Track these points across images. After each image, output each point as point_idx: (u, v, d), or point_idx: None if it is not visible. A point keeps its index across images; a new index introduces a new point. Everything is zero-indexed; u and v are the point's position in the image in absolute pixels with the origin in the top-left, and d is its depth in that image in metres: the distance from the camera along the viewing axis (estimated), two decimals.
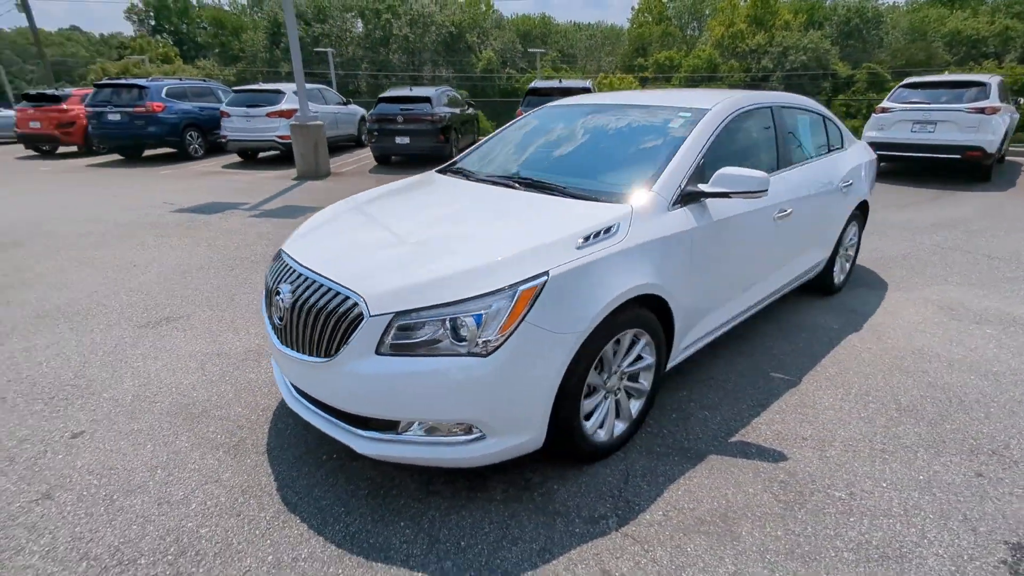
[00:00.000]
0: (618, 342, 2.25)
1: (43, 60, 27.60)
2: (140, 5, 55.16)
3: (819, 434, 2.55)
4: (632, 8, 52.52)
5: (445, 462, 2.00)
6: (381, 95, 11.39)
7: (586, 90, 10.24)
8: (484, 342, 1.85)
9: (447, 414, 1.92)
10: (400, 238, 2.31)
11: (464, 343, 1.86)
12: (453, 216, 2.53)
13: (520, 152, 3.25)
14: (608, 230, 2.20)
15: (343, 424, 2.06)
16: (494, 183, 2.83)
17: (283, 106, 10.95)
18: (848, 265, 4.39)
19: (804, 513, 2.07)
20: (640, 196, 2.41)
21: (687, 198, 2.49)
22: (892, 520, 2.04)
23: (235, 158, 12.12)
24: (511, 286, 1.90)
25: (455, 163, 3.42)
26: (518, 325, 1.87)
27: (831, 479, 2.25)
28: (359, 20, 43.40)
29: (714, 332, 2.91)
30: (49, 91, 12.84)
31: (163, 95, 11.40)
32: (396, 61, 42.74)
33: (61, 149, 13.18)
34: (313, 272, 2.12)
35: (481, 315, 1.86)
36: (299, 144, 9.90)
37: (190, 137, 11.85)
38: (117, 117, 11.12)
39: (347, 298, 1.96)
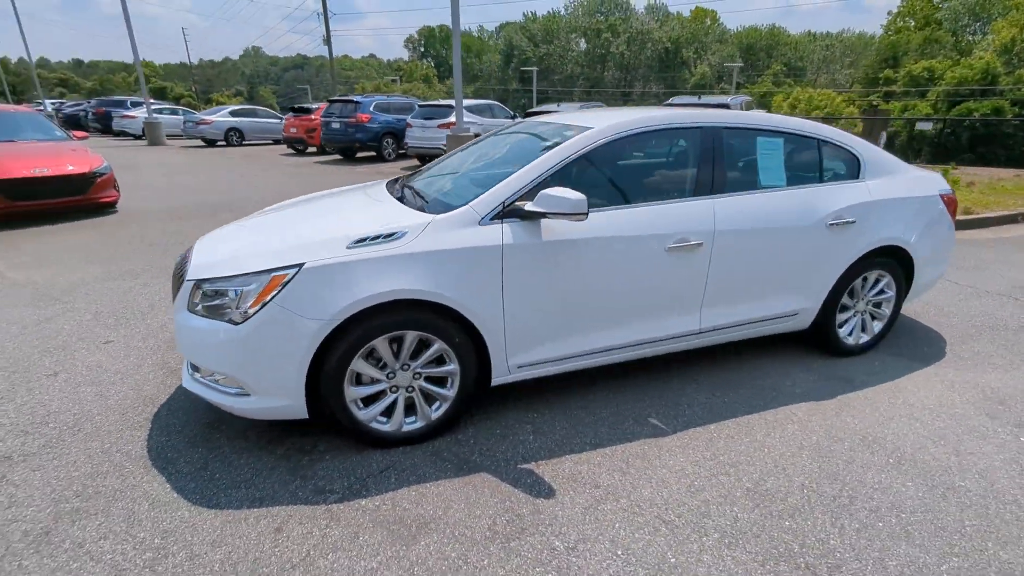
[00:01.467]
0: (398, 342, 2.36)
1: (333, 81, 34.94)
2: (415, 35, 65.62)
3: (616, 488, 2.25)
4: (889, 13, 44.26)
5: (225, 408, 2.39)
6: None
7: (723, 106, 9.34)
8: (241, 312, 2.19)
9: (215, 366, 2.31)
10: (258, 230, 2.75)
11: (228, 311, 2.22)
12: (311, 215, 2.84)
13: (450, 167, 3.41)
14: (391, 235, 2.33)
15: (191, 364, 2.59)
16: (390, 192, 3.06)
17: (450, 119, 12.30)
18: (878, 325, 3.47)
19: (497, 547, 1.94)
20: (450, 208, 2.45)
21: (509, 215, 2.44)
22: None
23: (415, 161, 14.02)
24: (265, 271, 2.20)
25: (407, 176, 3.61)
26: (266, 304, 2.17)
27: (569, 531, 2.02)
28: (583, 40, 45.30)
29: (576, 359, 2.72)
30: (304, 105, 16.45)
31: (371, 109, 13.77)
32: (609, 78, 43.43)
33: (309, 149, 16.78)
34: (188, 251, 2.69)
35: (239, 290, 2.21)
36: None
37: (386, 143, 14.07)
38: (338, 125, 13.79)
39: (186, 267, 2.47)
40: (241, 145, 18.72)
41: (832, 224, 3.01)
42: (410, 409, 2.51)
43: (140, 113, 20.61)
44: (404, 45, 68.29)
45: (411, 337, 2.37)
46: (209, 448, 2.48)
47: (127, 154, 15.72)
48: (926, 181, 3.42)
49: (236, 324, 2.20)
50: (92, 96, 43.08)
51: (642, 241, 2.63)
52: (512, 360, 2.58)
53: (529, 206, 2.41)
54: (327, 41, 34.39)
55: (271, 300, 2.17)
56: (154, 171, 12.18)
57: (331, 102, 14.41)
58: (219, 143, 18.50)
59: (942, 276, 3.70)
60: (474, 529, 2.02)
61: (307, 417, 2.35)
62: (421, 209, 2.58)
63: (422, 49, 64.64)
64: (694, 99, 10.17)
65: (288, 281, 2.18)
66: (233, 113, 18.96)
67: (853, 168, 3.23)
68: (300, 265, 2.20)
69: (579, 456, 2.46)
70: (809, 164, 3.16)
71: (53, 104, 29.45)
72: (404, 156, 14.47)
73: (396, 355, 2.39)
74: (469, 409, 2.75)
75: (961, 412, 2.81)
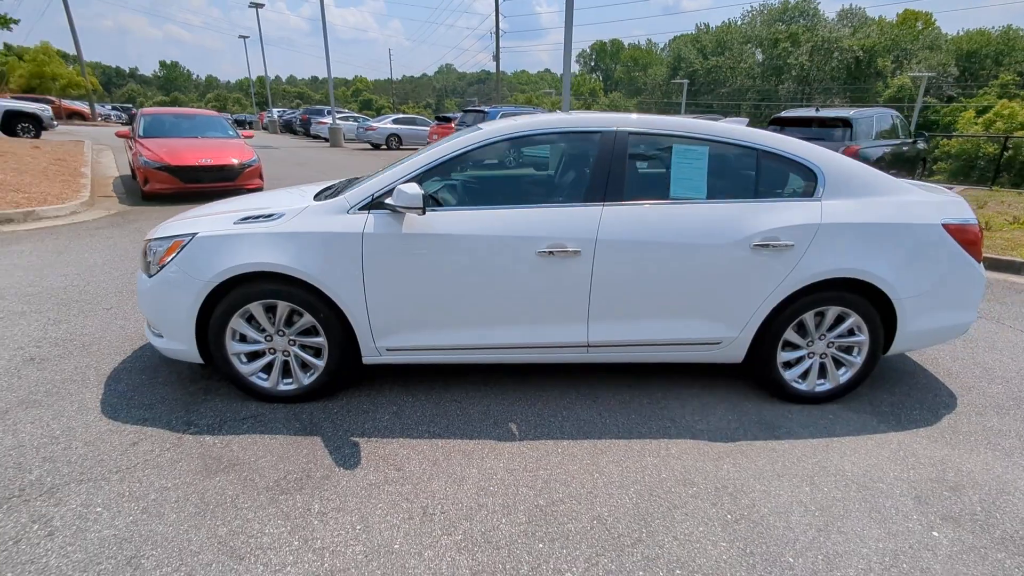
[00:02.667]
0: (271, 311, 2.67)
1: (497, 93, 37.22)
2: (587, 49, 66.64)
3: (413, 475, 2.28)
4: None
5: (153, 345, 2.92)
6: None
7: (843, 121, 8.01)
8: (154, 267, 2.69)
9: (142, 309, 2.84)
10: (211, 208, 3.22)
11: (149, 265, 2.74)
12: (251, 200, 3.21)
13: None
14: (269, 216, 2.65)
15: None
16: (334, 187, 3.36)
17: None
18: (846, 373, 2.87)
19: (266, 497, 2.13)
20: (328, 198, 2.68)
21: (376, 207, 2.60)
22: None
23: None
24: (171, 236, 2.67)
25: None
26: (167, 263, 2.64)
27: (335, 499, 2.13)
28: (758, 50, 41.61)
29: (453, 352, 2.76)
30: (446, 115, 17.92)
31: (497, 117, 14.51)
32: (784, 91, 39.16)
33: None
34: None
35: (155, 249, 2.71)
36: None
37: None
38: None
39: None
40: (399, 149, 21.01)
41: (758, 246, 2.60)
42: (290, 372, 2.81)
43: (329, 120, 24.28)
44: (576, 60, 69.82)
45: (282, 307, 2.66)
46: (149, 375, 3.04)
47: (307, 152, 18.67)
48: (923, 207, 2.74)
49: (150, 276, 2.70)
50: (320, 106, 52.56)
51: (508, 242, 2.59)
52: (381, 342, 2.73)
53: (387, 200, 2.55)
54: (495, 57, 36.80)
55: (171, 260, 2.63)
56: (316, 166, 14.33)
57: (465, 111, 15.51)
58: (381, 147, 20.99)
59: (966, 326, 2.92)
60: (265, 478, 2.24)
61: (202, 362, 2.78)
62: (318, 199, 2.87)
63: (592, 63, 65.46)
64: (811, 111, 8.86)
65: (184, 246, 2.62)
66: (395, 121, 21.38)
67: (807, 185, 2.74)
68: (194, 234, 2.63)
69: (412, 441, 2.52)
70: (743, 177, 2.76)
71: (279, 112, 35.92)
72: None
73: (273, 321, 2.71)
74: (355, 383, 2.98)
75: (881, 488, 2.25)
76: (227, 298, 2.62)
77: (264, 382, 2.79)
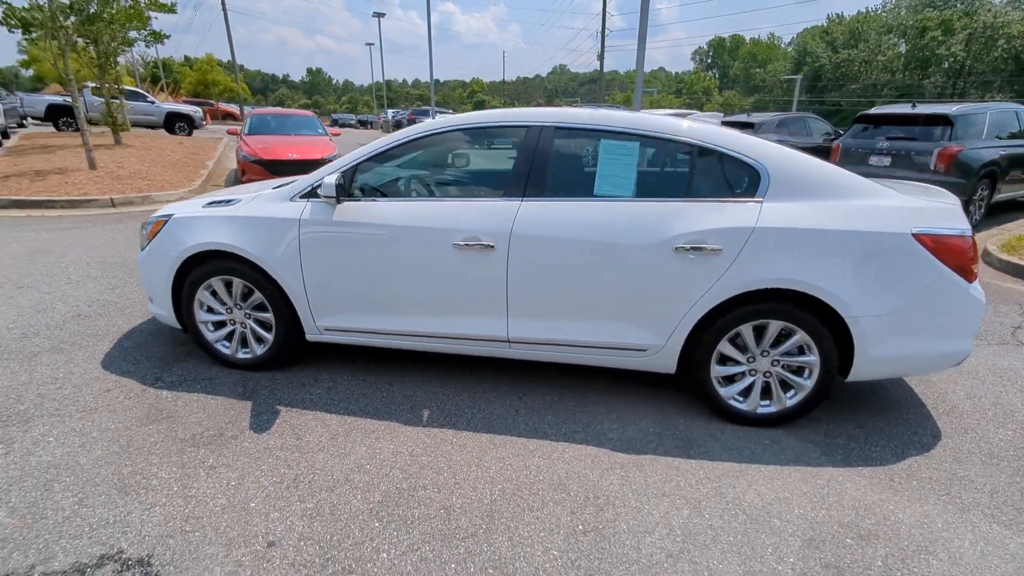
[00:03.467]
0: (228, 285, 2.96)
1: (600, 93, 36.68)
2: (704, 46, 63.25)
3: (307, 446, 2.43)
4: None
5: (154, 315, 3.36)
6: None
7: (942, 119, 6.82)
8: (145, 242, 3.11)
9: (140, 276, 3.28)
10: (208, 196, 3.62)
11: (142, 241, 3.17)
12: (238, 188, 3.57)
13: None
14: (228, 202, 2.94)
15: None
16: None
17: None
18: (794, 396, 2.54)
19: (178, 447, 2.39)
20: (276, 187, 2.90)
21: (313, 195, 2.77)
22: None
23: None
24: (156, 217, 3.06)
25: None
26: (152, 239, 3.04)
27: (229, 456, 2.34)
28: (902, 41, 36.42)
29: (385, 336, 2.87)
30: None
31: None
32: (930, 85, 33.87)
33: None
34: None
35: (147, 227, 3.12)
36: None
37: None
38: None
39: None
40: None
41: (680, 248, 2.40)
42: (247, 342, 3.09)
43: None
44: (691, 57, 66.46)
45: (237, 283, 2.95)
46: (153, 337, 3.51)
47: None
48: (890, 213, 2.34)
49: (142, 250, 3.13)
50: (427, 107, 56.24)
51: (427, 234, 2.64)
52: (319, 322, 2.92)
53: (319, 189, 2.72)
54: (600, 57, 36.31)
55: (155, 236, 3.03)
56: None
57: None
58: None
59: (957, 356, 2.46)
60: (187, 431, 2.51)
61: (179, 327, 3.16)
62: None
63: (709, 60, 61.88)
64: (907, 107, 7.59)
65: (163, 225, 3.00)
66: None
67: (748, 184, 2.46)
68: (171, 216, 3.00)
69: (326, 415, 2.68)
70: (677, 175, 2.54)
71: (392, 112, 38.45)
72: None
73: (232, 296, 3.00)
74: (310, 358, 3.22)
75: (773, 524, 1.99)
76: (193, 272, 2.95)
77: (227, 350, 3.11)
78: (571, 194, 2.62)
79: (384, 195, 2.92)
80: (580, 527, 1.98)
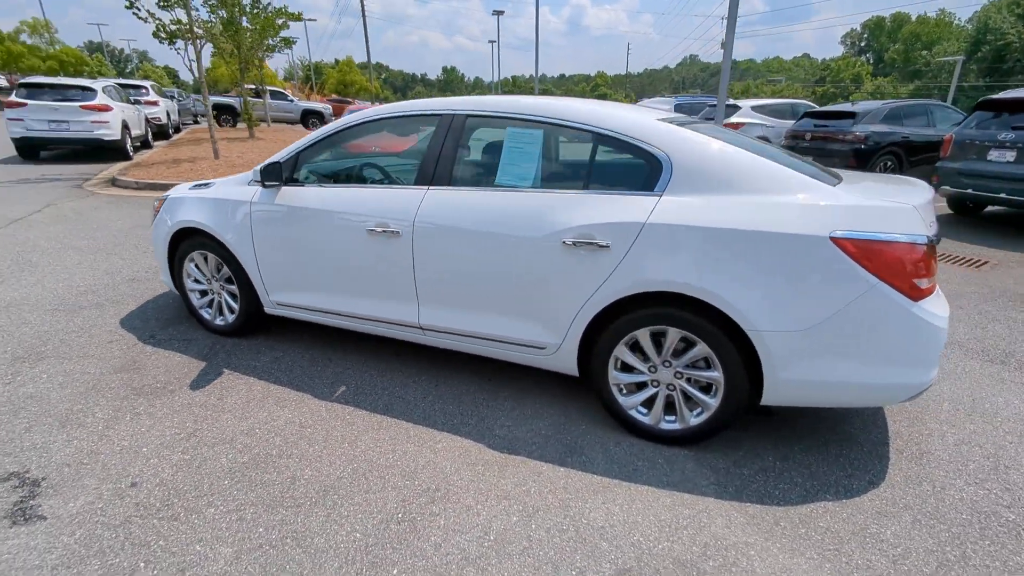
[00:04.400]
0: (205, 258, 3.32)
1: (723, 83, 34.14)
2: (858, 28, 55.93)
3: (216, 404, 2.66)
4: None
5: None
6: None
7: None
8: (153, 216, 3.59)
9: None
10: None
11: (153, 215, 3.65)
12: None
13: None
14: (206, 185, 3.28)
15: None
16: None
17: (734, 120, 11.09)
18: (698, 415, 2.24)
19: (130, 392, 2.75)
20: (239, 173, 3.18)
21: (260, 181, 3.00)
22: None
23: None
24: (162, 197, 3.51)
25: None
26: (155, 216, 3.50)
27: (154, 407, 2.64)
28: None
29: (326, 315, 3.00)
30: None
31: (672, 109, 13.60)
32: None
33: None
34: None
35: (155, 203, 3.59)
36: None
37: None
38: None
39: None
40: None
41: (568, 243, 2.22)
42: (224, 311, 3.44)
43: None
44: (840, 41, 59.03)
45: (211, 257, 3.29)
46: (175, 300, 4.04)
47: None
48: (808, 211, 1.95)
49: (152, 223, 3.61)
50: None
51: (344, 218, 2.73)
52: (272, 296, 3.16)
53: (258, 177, 2.93)
54: (724, 45, 33.68)
55: (159, 212, 3.48)
56: None
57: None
58: None
59: (908, 389, 2.00)
60: (142, 382, 2.88)
61: (177, 292, 3.60)
62: None
63: (862, 43, 54.41)
64: (1019, 93, 5.96)
65: (163, 203, 3.44)
66: None
67: (649, 175, 2.19)
68: (167, 196, 3.43)
69: (258, 382, 2.90)
70: (578, 163, 2.32)
71: None
72: None
73: (208, 268, 3.36)
74: (278, 329, 3.51)
75: (593, 544, 1.80)
76: (181, 246, 3.36)
77: (208, 316, 3.49)
78: (477, 183, 2.55)
79: (320, 181, 3.05)
80: (400, 515, 1.96)
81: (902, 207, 1.97)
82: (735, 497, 2.05)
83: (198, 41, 10.41)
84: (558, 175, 2.44)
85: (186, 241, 3.32)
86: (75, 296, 4.05)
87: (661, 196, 2.16)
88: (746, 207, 2.04)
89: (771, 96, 37.61)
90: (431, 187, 2.58)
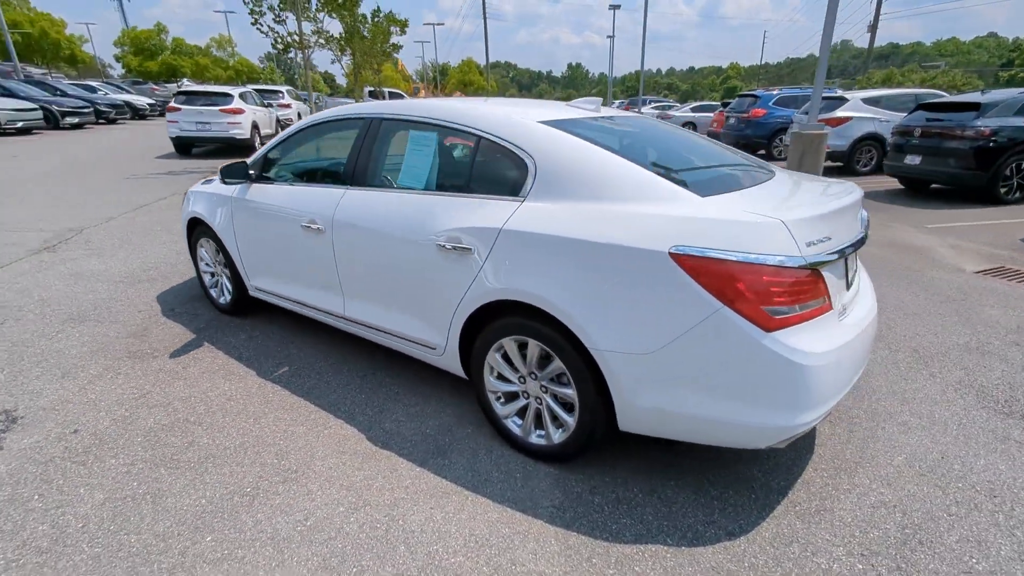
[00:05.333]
0: (209, 245, 3.77)
1: (865, 68, 30.13)
2: None
3: (186, 372, 3.02)
4: None
5: None
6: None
7: None
8: (183, 204, 4.15)
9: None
10: None
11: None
12: None
13: None
14: (209, 181, 3.71)
15: None
16: None
17: (837, 114, 9.80)
18: (560, 432, 2.09)
19: (123, 356, 3.24)
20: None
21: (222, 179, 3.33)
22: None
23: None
24: (188, 191, 4.04)
25: None
26: (183, 206, 4.04)
27: (149, 372, 3.08)
28: None
29: (294, 304, 3.25)
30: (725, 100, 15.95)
31: (770, 104, 12.35)
32: None
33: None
34: None
35: (183, 195, 4.14)
36: (792, 151, 9.13)
37: (777, 141, 12.39)
38: (733, 121, 13.15)
39: None
40: None
41: (442, 245, 2.20)
42: (224, 292, 3.88)
43: (648, 110, 24.78)
44: None
45: (211, 244, 3.73)
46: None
47: None
48: (658, 223, 1.73)
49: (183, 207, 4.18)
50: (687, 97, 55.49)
51: (287, 214, 2.95)
52: (251, 281, 3.50)
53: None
54: (871, 28, 29.69)
55: (185, 199, 4.01)
56: None
57: (741, 96, 13.66)
58: None
59: (769, 432, 1.71)
60: (139, 347, 3.36)
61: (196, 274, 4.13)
62: None
63: None
64: None
65: (188, 194, 3.96)
66: (694, 109, 20.23)
67: (519, 179, 2.07)
68: (189, 190, 3.94)
69: (221, 357, 3.25)
70: (462, 166, 2.26)
71: (619, 103, 38.27)
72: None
73: (211, 254, 3.81)
74: (267, 313, 3.87)
75: (381, 540, 1.78)
76: (195, 233, 3.85)
77: (214, 295, 3.95)
78: (384, 185, 2.61)
79: (279, 180, 3.27)
80: (248, 490, 2.11)
81: (765, 222, 1.68)
82: (566, 525, 1.91)
83: (306, 50, 11.60)
84: (449, 177, 2.41)
85: (197, 229, 3.80)
86: (141, 271, 4.80)
87: (523, 202, 2.06)
88: (598, 215, 1.88)
89: (918, 84, 32.32)
90: (349, 187, 2.70)
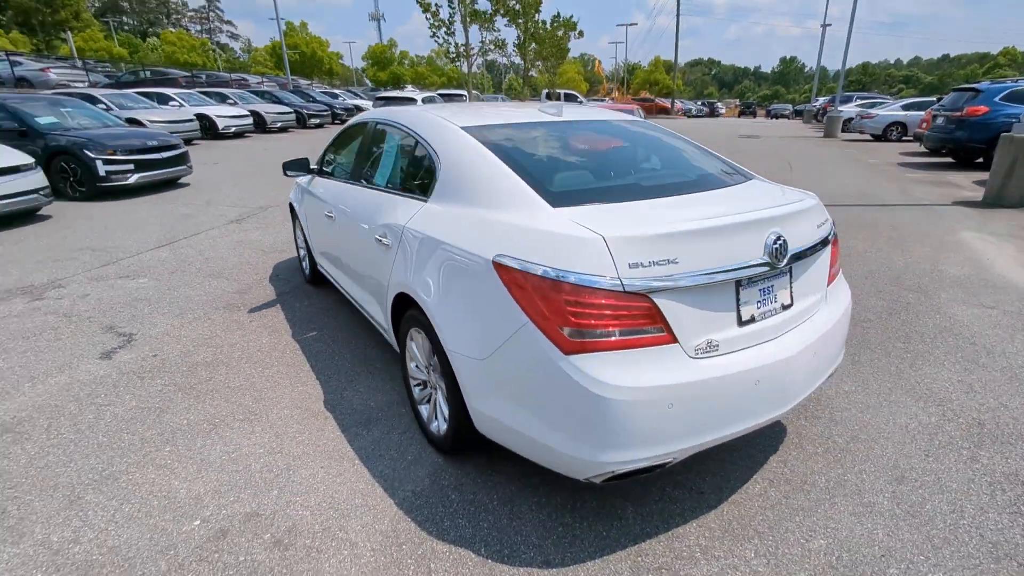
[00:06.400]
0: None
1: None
2: None
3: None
4: None
5: None
6: None
7: None
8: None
9: None
10: None
11: None
12: None
13: None
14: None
15: None
16: None
17: None
18: (444, 424, 2.10)
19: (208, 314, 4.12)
20: None
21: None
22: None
23: None
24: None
25: None
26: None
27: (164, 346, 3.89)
28: None
29: (345, 291, 3.73)
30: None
31: (995, 99, 9.61)
32: None
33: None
34: None
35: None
36: (999, 159, 7.06)
37: None
38: (941, 120, 10.57)
39: None
40: (899, 140, 16.35)
41: (378, 240, 2.38)
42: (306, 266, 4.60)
43: (844, 108, 21.12)
44: None
45: (296, 225, 4.46)
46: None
47: (776, 146, 17.52)
48: (496, 230, 1.66)
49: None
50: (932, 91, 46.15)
51: (321, 204, 3.44)
52: (317, 260, 4.12)
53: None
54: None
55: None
56: (770, 161, 13.82)
57: (957, 90, 10.85)
58: (880, 138, 16.89)
59: (579, 467, 1.56)
60: (238, 302, 4.22)
61: None
62: None
63: None
64: None
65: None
66: (906, 107, 16.53)
67: (430, 181, 2.12)
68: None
69: (274, 315, 3.90)
70: (404, 166, 2.37)
71: (821, 101, 33.17)
72: None
73: (299, 233, 4.54)
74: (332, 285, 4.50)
75: (221, 494, 2.05)
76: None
77: (304, 267, 4.71)
78: (370, 181, 2.87)
79: (324, 174, 3.73)
80: (204, 423, 2.59)
81: (585, 237, 1.51)
82: (408, 511, 1.97)
83: (469, 59, 12.61)
84: (396, 176, 2.57)
85: (293, 213, 4.59)
86: (283, 244, 5.90)
87: (426, 202, 2.14)
88: (464, 220, 1.89)
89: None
90: (351, 183, 3.05)
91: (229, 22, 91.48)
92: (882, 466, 2.15)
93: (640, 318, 1.50)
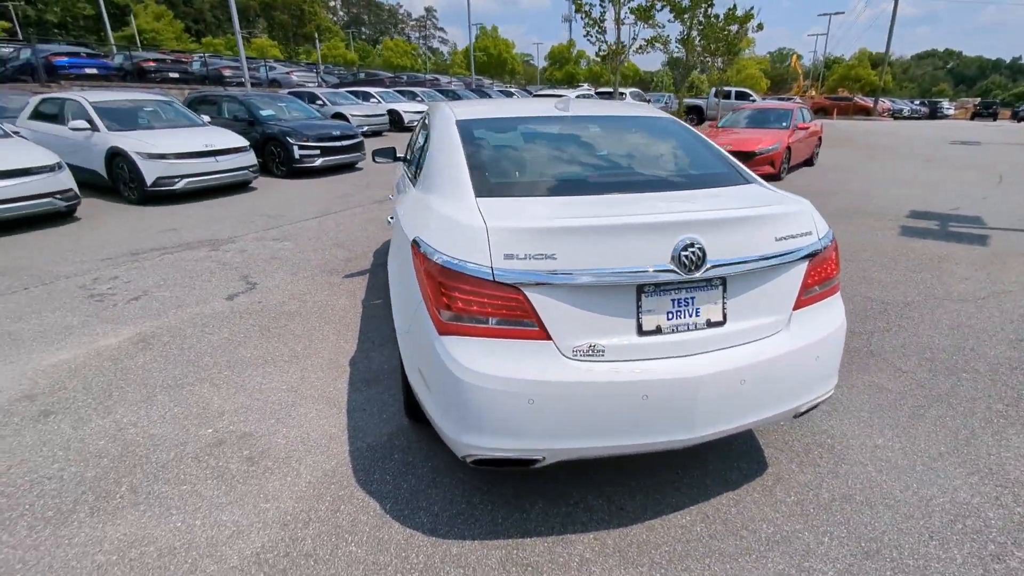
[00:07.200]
0: None
1: None
2: None
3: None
4: None
5: None
6: None
7: None
8: None
9: None
10: None
11: None
12: None
13: None
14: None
15: None
16: None
17: None
18: None
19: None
20: None
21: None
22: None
23: None
24: None
25: None
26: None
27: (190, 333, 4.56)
28: None
29: None
30: None
31: None
32: None
33: None
34: None
35: None
36: None
37: None
38: None
39: None
40: None
41: (388, 221, 2.60)
42: None
43: None
44: None
45: None
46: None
47: (997, 153, 13.84)
48: (426, 214, 1.72)
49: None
50: None
51: (397, 190, 3.75)
52: None
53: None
54: None
55: None
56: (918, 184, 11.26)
57: None
58: None
59: (459, 448, 1.59)
60: (341, 268, 4.88)
61: None
62: None
63: None
64: None
65: None
66: None
67: (422, 168, 2.23)
68: None
69: (340, 286, 4.42)
70: (419, 155, 2.48)
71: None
72: None
73: None
74: None
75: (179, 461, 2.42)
76: None
77: None
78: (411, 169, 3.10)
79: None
80: (262, 355, 3.10)
81: (471, 225, 1.52)
82: (364, 468, 2.17)
83: (619, 56, 12.30)
84: (415, 166, 2.74)
85: None
86: (354, 233, 6.59)
87: (414, 188, 2.29)
88: (420, 204, 2.00)
89: None
90: (407, 170, 3.32)
91: (441, 28, 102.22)
92: (856, 534, 1.73)
93: (514, 310, 1.47)
